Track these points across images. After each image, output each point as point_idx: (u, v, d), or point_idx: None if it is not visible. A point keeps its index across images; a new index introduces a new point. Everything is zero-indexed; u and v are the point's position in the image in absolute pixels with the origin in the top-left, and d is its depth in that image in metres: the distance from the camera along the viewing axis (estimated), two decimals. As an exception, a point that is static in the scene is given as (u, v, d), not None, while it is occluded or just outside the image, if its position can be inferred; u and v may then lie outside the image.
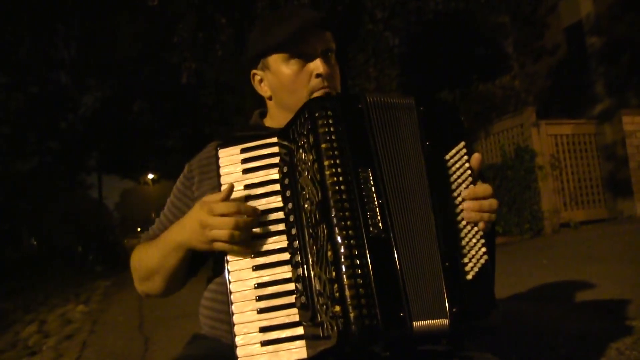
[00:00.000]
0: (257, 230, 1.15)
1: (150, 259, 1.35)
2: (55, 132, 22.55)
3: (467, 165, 1.18)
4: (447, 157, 1.18)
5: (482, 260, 1.11)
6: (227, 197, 1.15)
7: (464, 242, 1.12)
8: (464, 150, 1.19)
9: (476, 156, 1.20)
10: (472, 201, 1.15)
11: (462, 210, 1.15)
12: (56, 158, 23.18)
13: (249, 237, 1.14)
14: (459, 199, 1.15)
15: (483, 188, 1.18)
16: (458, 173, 1.18)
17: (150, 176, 28.88)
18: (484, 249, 1.12)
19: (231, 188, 1.15)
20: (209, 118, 14.19)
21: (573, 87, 11.03)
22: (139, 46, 15.25)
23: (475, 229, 1.14)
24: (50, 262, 24.78)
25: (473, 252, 1.11)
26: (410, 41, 10.97)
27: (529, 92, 10.19)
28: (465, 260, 1.11)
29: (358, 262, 1.02)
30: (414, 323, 1.03)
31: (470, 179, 1.18)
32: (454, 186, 1.16)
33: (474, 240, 1.13)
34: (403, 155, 1.15)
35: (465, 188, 1.17)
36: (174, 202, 1.47)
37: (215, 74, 10.53)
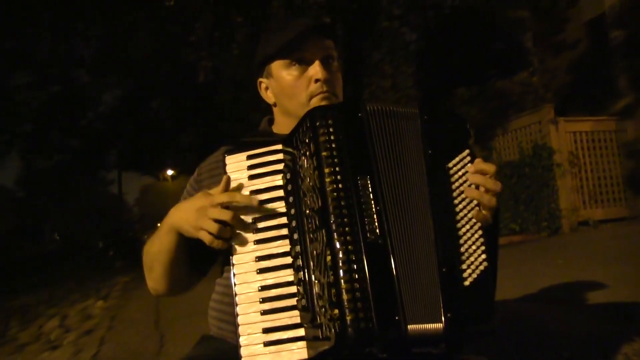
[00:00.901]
0: (260, 234, 1.18)
1: (151, 245, 1.38)
2: (75, 130, 22.88)
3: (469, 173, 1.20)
4: (450, 165, 1.20)
5: (482, 267, 1.13)
6: (226, 188, 1.20)
7: (463, 249, 1.14)
8: (468, 159, 1.21)
9: (478, 160, 1.21)
10: (475, 175, 1.18)
11: (462, 217, 1.17)
12: (77, 155, 23.50)
13: (241, 240, 1.17)
14: (460, 205, 1.17)
15: (487, 165, 1.20)
16: (460, 181, 1.20)
17: (170, 172, 29.10)
18: (484, 256, 1.14)
19: (228, 179, 1.21)
20: (226, 115, 14.29)
21: (595, 82, 10.86)
22: (156, 45, 15.37)
23: (476, 235, 1.16)
24: (71, 257, 25.14)
25: (472, 258, 1.14)
26: (427, 37, 10.92)
27: (548, 88, 10.08)
28: (464, 266, 1.13)
29: (355, 267, 1.05)
30: (409, 326, 1.06)
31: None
32: (455, 193, 1.18)
33: (474, 247, 1.15)
34: (404, 163, 1.17)
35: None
36: None
37: (231, 72, 10.60)
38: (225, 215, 1.15)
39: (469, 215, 1.17)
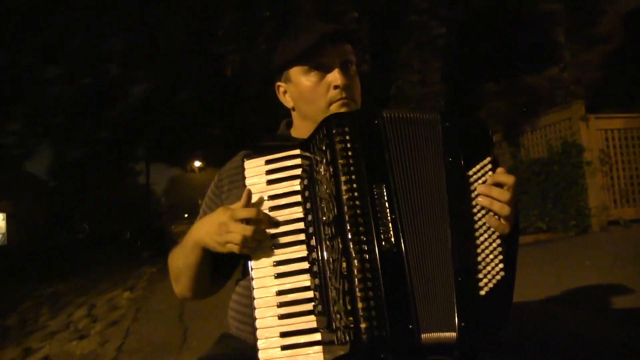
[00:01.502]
0: (278, 240, 1.20)
1: (176, 259, 1.42)
2: (105, 122, 23.26)
3: (490, 180, 1.19)
4: (470, 172, 1.19)
5: (498, 277, 1.13)
6: (247, 202, 1.22)
7: (480, 258, 1.14)
8: (489, 166, 1.20)
9: (499, 169, 1.20)
10: (483, 185, 1.18)
11: (481, 226, 1.16)
12: (106, 146, 23.89)
13: (259, 245, 1.19)
14: (479, 214, 1.17)
15: (506, 176, 1.19)
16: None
17: (197, 164, 29.32)
18: (501, 265, 1.14)
19: (249, 193, 1.22)
20: (254, 108, 14.34)
21: (629, 77, 10.61)
22: (184, 38, 15.50)
23: (494, 244, 1.15)
24: (100, 247, 25.57)
25: (489, 267, 1.13)
26: (456, 31, 10.78)
27: (579, 83, 9.87)
28: (480, 275, 1.12)
29: (370, 275, 1.06)
30: (422, 335, 1.07)
31: None
32: (474, 202, 1.18)
33: (491, 256, 1.14)
34: (421, 171, 1.17)
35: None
36: (204, 210, 1.52)
37: (259, 66, 10.63)
38: (247, 231, 1.17)
39: (488, 223, 1.16)
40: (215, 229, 1.23)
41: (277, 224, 1.20)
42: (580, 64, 10.59)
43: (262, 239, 1.19)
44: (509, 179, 1.19)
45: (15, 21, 18.34)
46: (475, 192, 1.18)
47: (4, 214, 34.95)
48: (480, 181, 1.19)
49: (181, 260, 1.39)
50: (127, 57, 20.59)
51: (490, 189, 1.17)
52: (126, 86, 22.67)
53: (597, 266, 4.48)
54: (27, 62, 20.83)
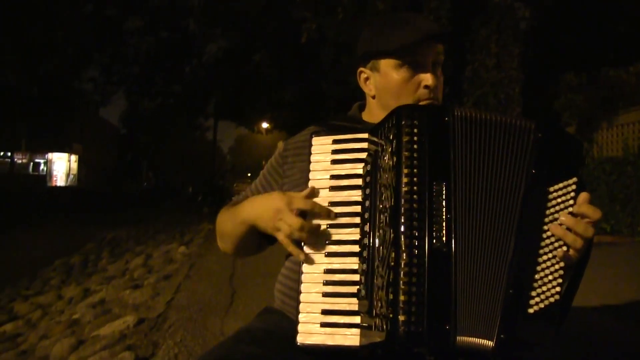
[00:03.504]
0: (334, 220, 1.22)
1: (224, 223, 1.49)
2: (179, 76, 23.83)
3: (571, 202, 1.15)
4: (551, 189, 1.15)
5: (552, 299, 1.10)
6: (309, 194, 1.25)
7: (538, 276, 1.11)
8: (573, 187, 1.16)
9: (583, 195, 1.15)
10: (568, 215, 1.13)
11: (548, 244, 1.13)
12: (178, 100, 24.50)
13: (309, 239, 1.22)
14: (549, 232, 1.13)
15: (592, 209, 1.14)
16: (557, 208, 1.15)
17: (265, 125, 29.55)
18: (558, 288, 1.10)
19: (313, 189, 1.25)
20: (326, 76, 14.35)
21: None
22: (264, 0, 15.57)
23: (557, 266, 1.12)
24: (163, 198, 26.37)
25: (545, 288, 1.10)
26: (542, 15, 10.33)
27: (668, 82, 9.30)
28: (533, 294, 1.10)
29: (416, 270, 1.06)
30: (458, 338, 1.06)
31: None
32: (547, 219, 1.14)
33: (550, 277, 1.11)
34: (494, 177, 1.14)
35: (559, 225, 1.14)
36: (265, 175, 1.56)
37: (334, 34, 10.58)
38: (299, 224, 1.20)
39: (555, 244, 1.12)
40: (269, 213, 1.27)
41: (334, 203, 1.22)
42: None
43: (310, 232, 1.21)
44: (594, 214, 1.14)
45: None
46: (551, 212, 1.14)
47: (77, 156, 36.61)
48: (559, 200, 1.15)
49: (228, 227, 1.45)
50: (205, 14, 20.89)
51: (571, 220, 1.13)
52: (202, 43, 23.09)
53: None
54: (110, 13, 21.47)
